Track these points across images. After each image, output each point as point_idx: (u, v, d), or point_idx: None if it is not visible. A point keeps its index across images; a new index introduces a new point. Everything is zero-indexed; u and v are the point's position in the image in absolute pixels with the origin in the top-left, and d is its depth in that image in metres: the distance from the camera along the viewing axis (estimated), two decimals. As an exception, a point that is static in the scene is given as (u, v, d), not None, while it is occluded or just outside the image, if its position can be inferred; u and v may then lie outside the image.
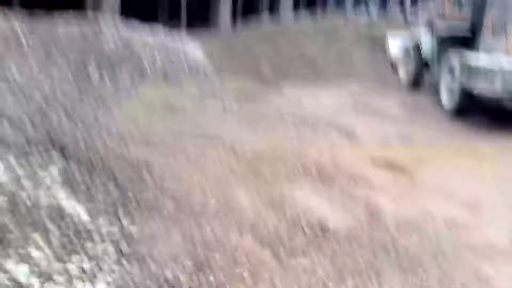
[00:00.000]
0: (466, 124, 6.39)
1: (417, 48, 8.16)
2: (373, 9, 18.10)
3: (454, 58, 6.71)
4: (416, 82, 8.38)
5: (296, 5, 16.86)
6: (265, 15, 15.34)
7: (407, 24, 13.72)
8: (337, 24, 10.32)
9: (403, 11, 19.20)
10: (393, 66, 9.52)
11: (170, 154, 4.49)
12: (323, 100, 7.32)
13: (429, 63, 8.00)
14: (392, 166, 4.50)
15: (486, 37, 6.21)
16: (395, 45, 9.40)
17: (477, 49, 6.40)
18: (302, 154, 4.67)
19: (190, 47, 9.06)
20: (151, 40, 8.53)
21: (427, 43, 7.77)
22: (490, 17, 6.11)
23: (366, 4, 17.47)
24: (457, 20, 7.08)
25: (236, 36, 10.29)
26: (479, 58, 6.08)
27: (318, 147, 5.01)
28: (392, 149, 5.05)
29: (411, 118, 6.43)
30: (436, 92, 7.73)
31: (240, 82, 8.15)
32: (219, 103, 6.69)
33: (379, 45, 10.25)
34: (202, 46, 10.05)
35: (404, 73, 8.77)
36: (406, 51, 8.72)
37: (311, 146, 5.07)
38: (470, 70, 6.02)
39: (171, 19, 12.58)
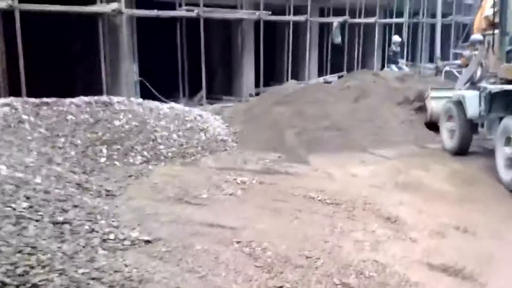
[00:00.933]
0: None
1: (462, 108, 7.22)
2: (403, 62, 17.43)
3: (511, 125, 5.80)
4: (462, 147, 7.39)
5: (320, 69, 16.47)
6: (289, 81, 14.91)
7: (439, 77, 12.93)
8: (365, 80, 9.58)
9: (437, 66, 18.53)
10: (433, 127, 8.63)
11: (173, 262, 3.74)
12: (356, 172, 6.47)
13: (478, 125, 7.07)
14: (454, 271, 3.55)
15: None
16: (437, 103, 8.49)
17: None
18: (339, 257, 3.81)
19: (210, 118, 8.49)
20: (168, 113, 8.03)
21: (474, 103, 6.87)
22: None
23: (395, 58, 16.81)
24: (508, 76, 6.23)
25: (257, 101, 9.69)
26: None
27: (357, 243, 4.14)
28: (450, 244, 4.10)
29: (465, 196, 5.45)
30: (488, 159, 6.77)
31: (262, 153, 7.44)
32: (238, 182, 5.93)
33: (413, 102, 9.42)
34: (223, 115, 9.56)
35: (447, 136, 7.80)
36: (448, 110, 7.79)
37: (349, 240, 4.20)
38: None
39: (193, 89, 12.21)
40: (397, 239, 4.23)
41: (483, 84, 7.01)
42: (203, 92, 12.23)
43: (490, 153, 7.19)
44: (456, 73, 14.05)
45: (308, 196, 5.35)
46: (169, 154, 7.03)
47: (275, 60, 16.54)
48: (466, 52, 15.26)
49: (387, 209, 4.89)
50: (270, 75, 15.23)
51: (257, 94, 14.59)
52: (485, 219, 4.73)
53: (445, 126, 7.80)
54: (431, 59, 24.51)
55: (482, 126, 6.99)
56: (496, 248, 4.00)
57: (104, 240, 4.13)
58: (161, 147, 7.11)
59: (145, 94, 10.95)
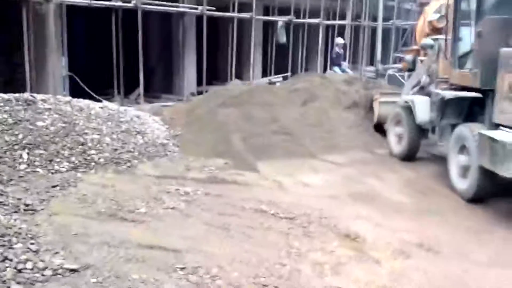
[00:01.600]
0: (488, 212, 5.26)
1: (410, 113, 7.09)
2: (346, 64, 17.50)
3: (466, 133, 5.64)
4: (410, 153, 7.27)
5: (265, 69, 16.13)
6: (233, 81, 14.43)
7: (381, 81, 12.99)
8: (313, 82, 9.29)
9: (377, 69, 18.80)
10: (380, 129, 8.51)
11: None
12: (308, 181, 6.11)
13: (427, 130, 6.95)
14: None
15: (502, 105, 5.19)
16: (384, 108, 8.36)
17: (492, 121, 5.37)
18: (298, 284, 3.38)
19: (148, 120, 7.81)
20: (101, 113, 7.26)
21: (423, 108, 6.74)
22: (506, 81, 5.13)
23: (338, 60, 16.82)
24: (461, 83, 6.12)
25: (200, 101, 9.11)
26: (503, 134, 5.00)
27: (317, 265, 3.73)
28: (416, 265, 3.80)
29: (421, 208, 5.22)
30: (437, 165, 6.68)
31: (207, 159, 6.90)
32: (181, 193, 5.37)
33: (361, 105, 9.27)
34: (163, 116, 8.91)
35: (395, 141, 7.66)
36: (396, 116, 7.67)
37: (307, 263, 3.78)
38: (493, 149, 4.89)
39: (129, 87, 11.38)
40: (359, 260, 3.87)
41: (433, 89, 6.90)
42: (141, 89, 11.45)
43: (438, 160, 7.15)
44: (399, 77, 14.27)
45: (259, 209, 4.90)
46: (101, 160, 6.29)
47: (218, 59, 16.01)
48: (408, 57, 15.62)
49: (345, 224, 4.54)
50: (212, 74, 14.71)
51: (199, 93, 13.98)
52: (446, 234, 4.50)
53: (393, 131, 7.68)
54: (371, 62, 25.05)
55: (432, 131, 6.87)
56: (463, 271, 3.75)
57: (19, 271, 3.44)
58: (92, 152, 6.36)
59: (75, 91, 10.03)
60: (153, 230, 4.38)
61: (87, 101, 7.65)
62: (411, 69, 15.30)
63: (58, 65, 10.16)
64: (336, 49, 17.09)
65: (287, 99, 8.61)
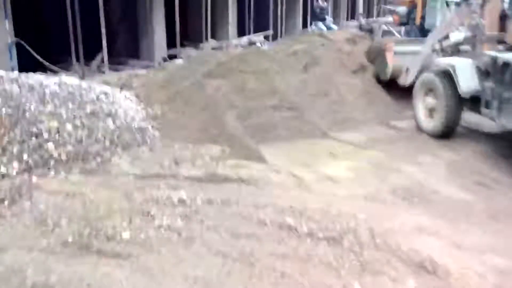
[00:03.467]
0: None
1: (449, 80, 5.85)
2: (330, 19, 16.12)
3: None
4: (448, 130, 6.08)
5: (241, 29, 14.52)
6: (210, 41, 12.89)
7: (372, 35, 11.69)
8: (312, 43, 7.93)
9: (360, 24, 17.47)
10: (392, 88, 7.32)
11: None
12: (332, 173, 4.92)
13: (471, 101, 5.74)
14: None
15: None
16: (399, 59, 7.09)
17: None
18: None
19: (119, 97, 6.35)
20: (58, 92, 5.76)
21: (467, 74, 5.53)
22: None
23: (322, 14, 15.40)
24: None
25: (180, 69, 7.64)
26: None
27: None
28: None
29: (494, 208, 4.12)
30: (480, 143, 5.59)
31: (197, 146, 5.59)
32: (175, 201, 4.08)
33: (366, 67, 8.04)
34: (135, 90, 7.44)
35: (424, 114, 6.43)
36: (427, 83, 6.39)
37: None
38: None
39: (89, 52, 9.71)
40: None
41: (478, 50, 5.70)
42: (104, 54, 9.81)
43: (476, 135, 6.07)
44: (395, 32, 13.02)
45: (285, 224, 3.68)
46: (63, 156, 4.89)
47: (188, 16, 14.27)
48: (400, 8, 14.33)
49: (408, 243, 3.39)
50: (182, 34, 13.00)
51: (171, 57, 12.42)
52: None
53: (422, 102, 6.47)
54: (352, 16, 23.65)
55: (486, 105, 5.57)
56: None
57: None
58: (50, 145, 4.93)
59: (25, 61, 8.38)
60: (145, 270, 3.12)
61: (39, 77, 6.10)
62: (405, 22, 14.16)
63: (1, 29, 8.42)
64: (320, 2, 15.65)
65: (285, 64, 7.27)
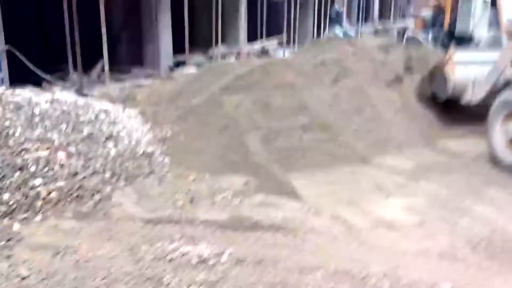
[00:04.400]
0: None
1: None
2: (347, 24, 15.25)
3: None
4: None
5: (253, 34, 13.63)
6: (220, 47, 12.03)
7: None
8: (340, 51, 7.01)
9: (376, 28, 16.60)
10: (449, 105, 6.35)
11: None
12: (387, 215, 4.01)
13: None
14: None
15: None
16: (464, 70, 6.07)
17: None
18: None
19: (121, 115, 5.46)
20: (49, 112, 4.88)
21: None
22: None
23: (339, 19, 14.53)
24: None
25: (191, 81, 6.74)
26: None
27: None
28: None
29: None
30: None
31: (216, 176, 4.70)
32: (194, 262, 3.18)
33: (402, 79, 7.12)
34: (139, 104, 6.60)
35: (504, 142, 5.29)
36: (508, 103, 5.28)
37: None
38: None
39: (88, 60, 8.84)
40: None
41: None
42: (105, 62, 8.93)
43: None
44: (422, 40, 12.08)
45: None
46: (53, 195, 3.99)
47: (195, 20, 13.42)
48: (425, 13, 13.42)
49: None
50: (189, 39, 12.10)
51: (178, 64, 11.55)
52: None
53: (502, 128, 5.36)
54: (366, 21, 22.75)
55: None
56: None
57: None
58: (37, 181, 4.04)
59: (16, 71, 7.52)
60: None
61: (27, 93, 5.22)
62: (430, 28, 13.23)
63: (-12, 36, 7.57)
64: (336, 7, 14.80)
65: (313, 76, 6.35)
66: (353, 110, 6.20)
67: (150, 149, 5.13)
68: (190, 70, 9.65)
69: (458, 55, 5.92)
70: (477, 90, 5.90)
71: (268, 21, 13.92)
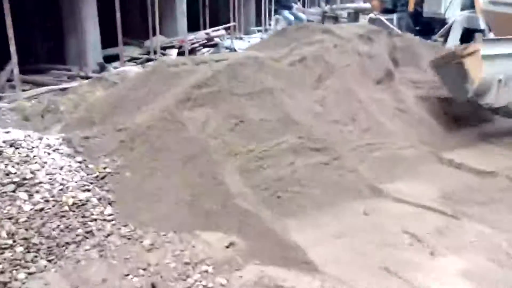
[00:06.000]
0: None
1: None
2: (298, 7, 14.07)
3: None
4: None
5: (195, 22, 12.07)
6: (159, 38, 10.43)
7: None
8: (319, 43, 5.67)
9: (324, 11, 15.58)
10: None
11: None
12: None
13: None
14: None
15: None
16: (492, 66, 4.86)
17: None
18: None
19: (38, 147, 3.85)
20: None
21: None
22: None
23: (288, 2, 13.30)
24: None
25: (132, 88, 5.13)
26: None
27: None
28: None
29: None
30: None
31: (185, 238, 3.29)
32: None
33: (392, 74, 6.00)
34: (62, 116, 5.04)
35: None
36: None
37: None
38: None
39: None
40: None
41: None
42: (13, 63, 7.08)
43: None
44: (386, 21, 11.09)
45: None
46: None
47: (127, 7, 11.66)
48: (383, -7, 12.46)
49: None
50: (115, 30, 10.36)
51: (108, 59, 9.85)
52: None
53: None
54: (312, 3, 21.74)
55: None
56: None
57: None
58: None
59: None
60: None
61: None
62: (391, 9, 12.31)
63: None
64: (284, -12, 13.51)
65: (293, 78, 5.02)
66: (346, 119, 4.96)
67: (82, 196, 3.59)
68: (127, 68, 8.01)
69: (485, 48, 4.81)
70: (505, 92, 4.87)
71: (211, 7, 12.43)
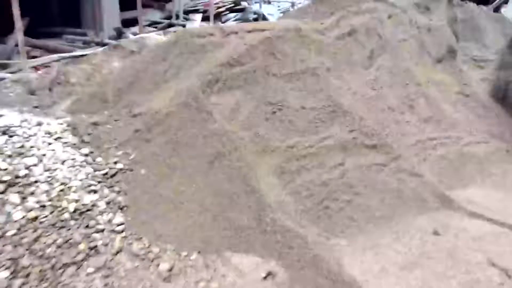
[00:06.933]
0: None
1: None
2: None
3: None
4: None
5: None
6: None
7: None
8: (372, 13, 4.84)
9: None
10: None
11: None
12: None
13: None
14: None
15: None
16: None
17: None
18: None
19: (36, 132, 3.21)
20: None
21: None
22: None
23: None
24: None
25: (152, 62, 4.41)
26: None
27: None
28: None
29: None
30: None
31: (210, 259, 2.66)
32: None
33: (455, 51, 5.15)
34: (70, 90, 4.44)
35: None
36: None
37: None
38: None
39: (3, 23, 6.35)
40: None
41: None
42: (18, 29, 6.38)
43: None
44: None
45: None
46: None
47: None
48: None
49: None
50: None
51: (127, 23, 9.14)
52: None
53: None
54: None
55: None
56: None
57: None
58: None
59: None
60: None
61: None
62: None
63: None
64: None
65: (341, 55, 4.24)
66: (403, 106, 4.19)
67: (87, 199, 2.97)
68: (147, 35, 7.26)
69: None
70: None
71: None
